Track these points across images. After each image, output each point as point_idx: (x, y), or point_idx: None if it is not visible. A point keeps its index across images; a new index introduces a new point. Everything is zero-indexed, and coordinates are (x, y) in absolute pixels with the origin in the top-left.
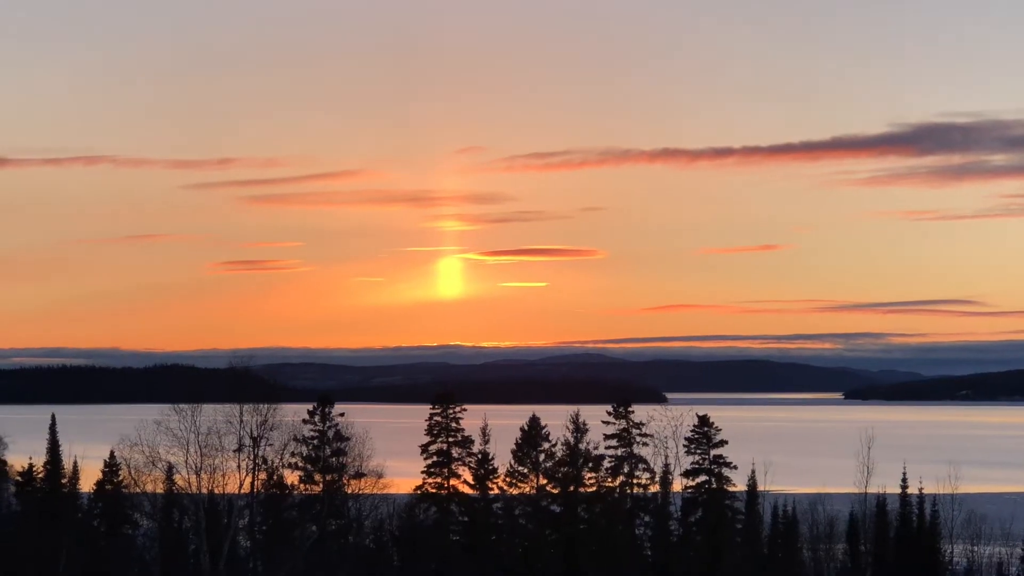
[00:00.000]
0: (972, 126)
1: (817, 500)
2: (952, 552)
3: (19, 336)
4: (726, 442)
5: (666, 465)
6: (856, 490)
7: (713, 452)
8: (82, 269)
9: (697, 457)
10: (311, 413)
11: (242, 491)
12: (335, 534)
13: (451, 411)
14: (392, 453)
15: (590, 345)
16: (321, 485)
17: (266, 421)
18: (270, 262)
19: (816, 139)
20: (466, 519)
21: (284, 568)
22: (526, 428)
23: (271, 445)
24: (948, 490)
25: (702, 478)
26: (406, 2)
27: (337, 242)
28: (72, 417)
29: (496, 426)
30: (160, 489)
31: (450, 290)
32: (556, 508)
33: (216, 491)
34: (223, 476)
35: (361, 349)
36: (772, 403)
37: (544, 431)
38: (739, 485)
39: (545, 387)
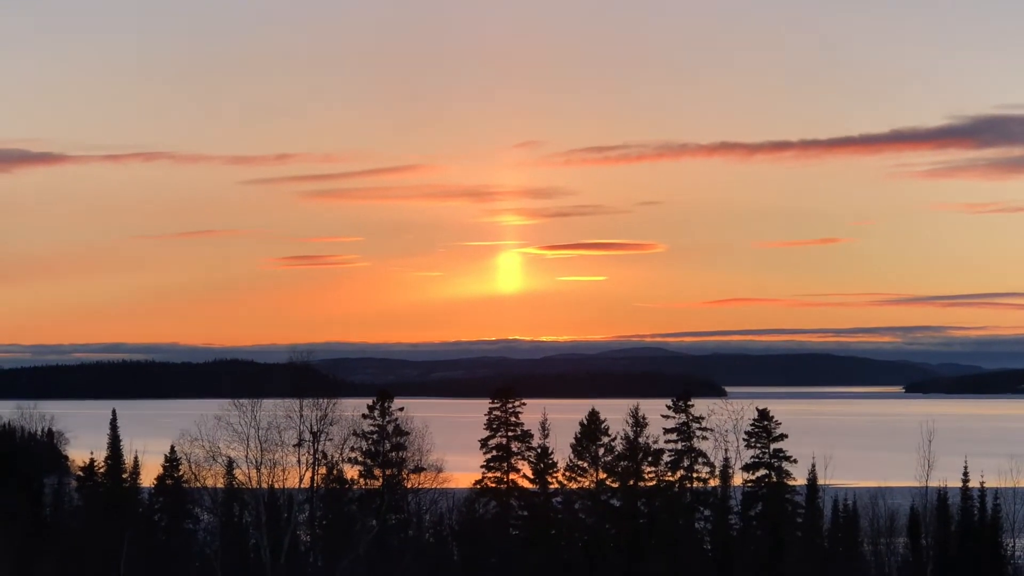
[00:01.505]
0: None
1: (878, 494)
2: (1014, 546)
3: (80, 332)
4: (786, 436)
5: (726, 459)
6: (917, 484)
7: (773, 446)
8: (141, 265)
9: (757, 451)
10: (370, 408)
11: (302, 486)
12: (395, 529)
13: (510, 405)
14: (451, 448)
15: (648, 339)
16: (381, 480)
17: (326, 416)
18: (328, 257)
19: (875, 132)
20: (526, 514)
21: (344, 563)
22: (585, 422)
23: (331, 440)
24: (1010, 484)
25: (762, 472)
26: None
27: (395, 237)
28: (132, 412)
29: (555, 420)
30: (220, 484)
31: (509, 284)
32: (616, 502)
33: (276, 486)
34: (283, 471)
35: (420, 344)
36: (832, 397)
37: (603, 425)
38: (799, 479)
39: (604, 381)
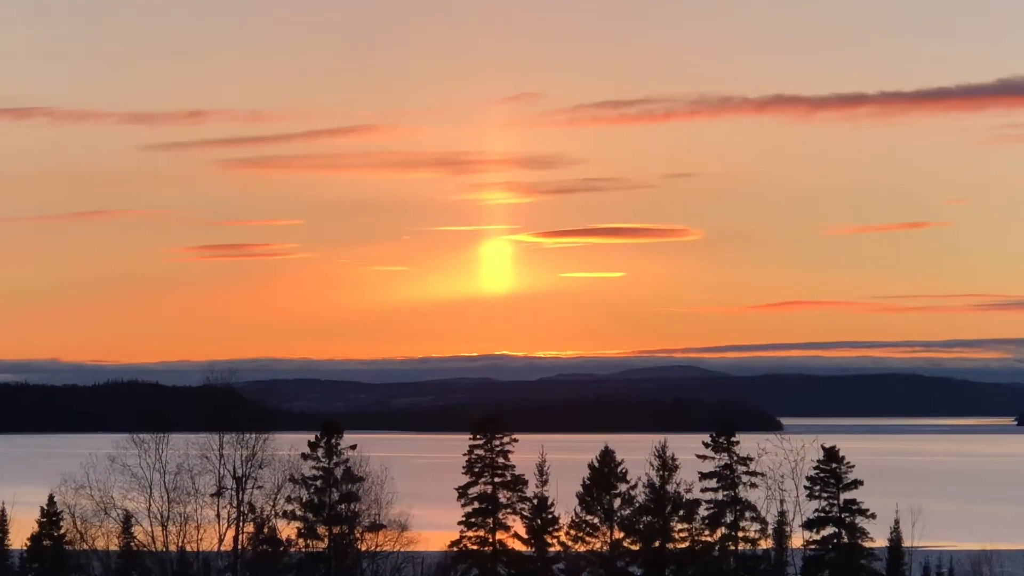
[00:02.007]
0: None
1: (982, 559)
2: None
3: None
4: (861, 483)
5: (782, 513)
6: None
7: (843, 496)
8: (8, 257)
9: (823, 503)
10: (313, 445)
11: (222, 548)
12: None
13: (497, 442)
14: (420, 498)
15: (680, 355)
16: (327, 540)
17: (253, 456)
18: (258, 246)
19: (977, 82)
20: None
21: None
22: (596, 464)
23: (260, 487)
24: None
25: (829, 530)
26: None
27: (345, 220)
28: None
29: (557, 462)
30: (115, 545)
31: (496, 283)
32: (636, 570)
33: (188, 548)
34: (197, 528)
35: (378, 361)
36: (921, 431)
37: (620, 468)
38: (878, 540)
39: (621, 410)
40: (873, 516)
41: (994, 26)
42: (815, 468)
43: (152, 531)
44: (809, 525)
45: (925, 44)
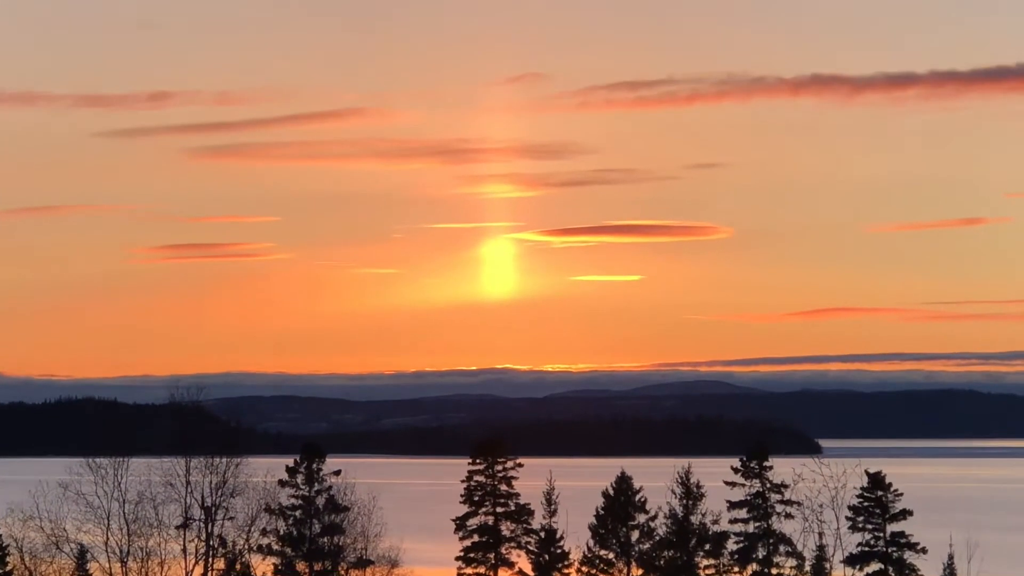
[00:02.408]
0: None
1: None
2: None
3: None
4: (910, 513)
5: (821, 547)
6: None
7: (891, 528)
8: None
9: (867, 535)
10: (292, 471)
11: None
12: None
13: (500, 467)
14: (413, 530)
15: (705, 368)
16: None
17: (225, 483)
18: (229, 246)
19: None
20: None
21: None
22: (612, 492)
23: (232, 519)
24: None
25: (875, 567)
26: None
27: (328, 216)
28: None
29: (567, 489)
30: None
31: (498, 287)
32: None
33: None
34: (161, 565)
35: (367, 375)
36: (978, 454)
37: (639, 497)
38: None
39: (639, 431)
40: (924, 551)
41: None
42: (858, 496)
43: (110, 567)
44: (852, 561)
45: (982, 17)
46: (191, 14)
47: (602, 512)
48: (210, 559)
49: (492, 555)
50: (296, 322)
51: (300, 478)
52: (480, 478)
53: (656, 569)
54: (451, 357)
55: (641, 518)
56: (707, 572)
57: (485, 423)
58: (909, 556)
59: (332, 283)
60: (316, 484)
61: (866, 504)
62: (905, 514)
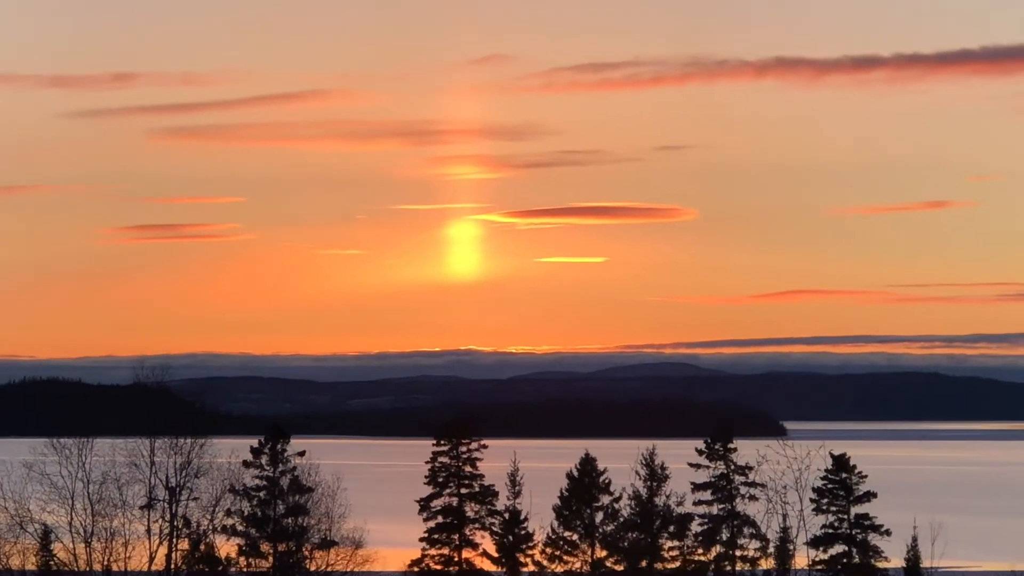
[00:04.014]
0: None
1: None
2: None
3: None
4: (874, 495)
5: (785, 529)
6: None
7: (855, 510)
8: None
9: (831, 518)
10: (256, 452)
11: (153, 567)
12: None
13: (464, 448)
14: (377, 511)
15: (670, 350)
16: (271, 559)
17: (189, 463)
18: (193, 227)
19: (1005, 43)
20: None
21: None
22: (576, 474)
23: (196, 499)
24: None
25: (838, 548)
26: None
27: (293, 198)
28: None
29: (531, 471)
30: (32, 564)
31: (463, 269)
32: None
33: (115, 567)
34: (125, 545)
35: (331, 356)
36: (942, 436)
37: (603, 479)
38: (894, 559)
39: (604, 413)
40: (888, 533)
41: None
42: (822, 478)
43: (74, 548)
44: (815, 543)
45: (946, 1)
46: None
47: (566, 493)
48: (174, 539)
49: (456, 536)
50: (261, 303)
51: (265, 459)
52: (444, 459)
53: (620, 551)
54: (416, 338)
55: (605, 500)
56: (671, 554)
57: (449, 404)
58: (873, 538)
59: (297, 264)
60: (280, 465)
61: (830, 486)
62: (869, 496)
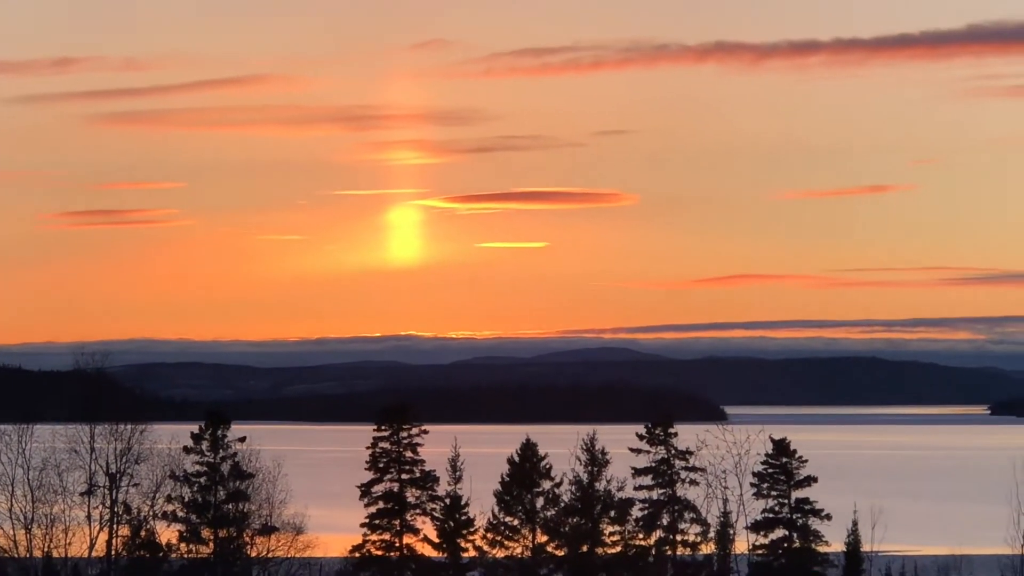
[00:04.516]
0: None
1: (951, 564)
2: None
3: None
4: (815, 480)
5: (725, 514)
6: (1008, 550)
7: (795, 495)
8: None
9: (772, 502)
10: (196, 437)
11: (94, 553)
12: None
13: (405, 434)
14: (318, 497)
15: (610, 335)
16: (212, 545)
17: (129, 449)
18: (133, 212)
19: (945, 27)
20: None
21: None
22: (517, 459)
23: (137, 485)
24: None
25: (779, 533)
26: None
27: (232, 183)
28: None
29: (472, 456)
30: None
31: (403, 254)
32: None
33: (55, 554)
34: (65, 531)
35: (270, 342)
36: (881, 421)
37: (544, 464)
38: (834, 544)
39: (544, 398)
40: (828, 517)
41: None
42: (763, 463)
43: (14, 534)
44: (756, 527)
45: None
46: None
47: (507, 479)
48: (115, 526)
49: (397, 522)
50: (201, 289)
51: (205, 445)
52: (385, 445)
53: (561, 536)
54: (356, 324)
55: (546, 485)
56: (612, 539)
57: (390, 390)
58: (813, 523)
59: (237, 250)
60: (221, 451)
61: (771, 471)
62: (809, 481)
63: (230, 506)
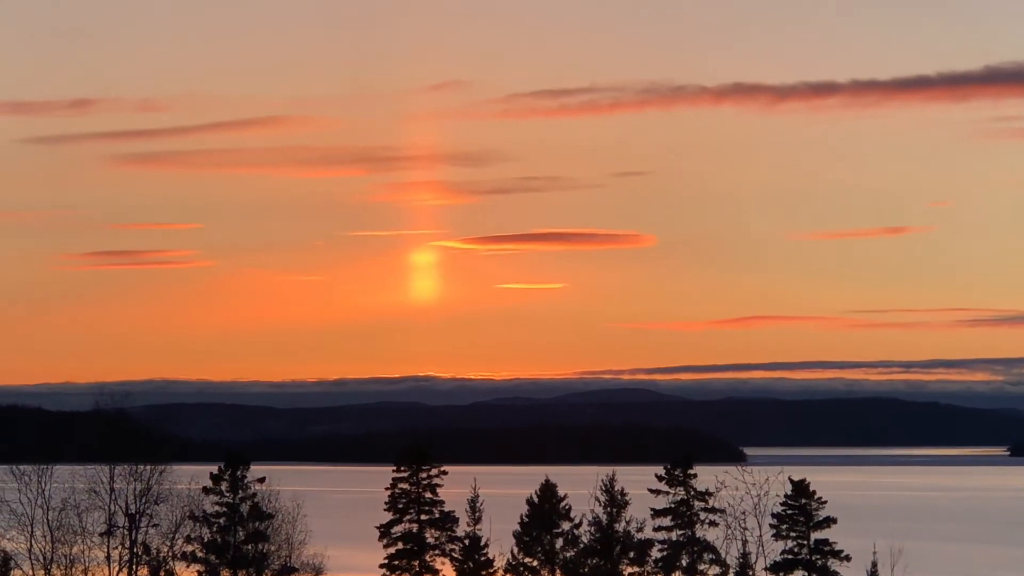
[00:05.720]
0: None
1: None
2: None
3: None
4: (834, 521)
5: (744, 555)
6: None
7: (814, 536)
8: None
9: (791, 543)
10: (216, 478)
11: None
12: None
13: (424, 475)
14: (338, 537)
15: (629, 376)
16: None
17: (149, 490)
18: (152, 253)
19: (962, 69)
20: None
21: None
22: (536, 500)
23: (156, 526)
24: None
25: (799, 574)
26: None
27: (251, 224)
28: None
29: (491, 497)
30: None
31: (422, 295)
32: None
33: None
34: (85, 572)
35: (290, 383)
36: (900, 462)
37: (563, 505)
38: None
39: (563, 439)
40: (848, 558)
41: (980, 8)
42: (782, 504)
43: (34, 575)
44: (775, 568)
45: (903, 27)
46: (114, 21)
47: (526, 519)
48: (134, 566)
49: (416, 562)
50: (220, 329)
51: (224, 485)
52: (404, 486)
53: None
54: (374, 364)
55: (565, 526)
56: None
57: (409, 431)
58: (833, 564)
59: (255, 291)
60: (240, 491)
61: (790, 512)
62: (829, 522)
63: (249, 546)
